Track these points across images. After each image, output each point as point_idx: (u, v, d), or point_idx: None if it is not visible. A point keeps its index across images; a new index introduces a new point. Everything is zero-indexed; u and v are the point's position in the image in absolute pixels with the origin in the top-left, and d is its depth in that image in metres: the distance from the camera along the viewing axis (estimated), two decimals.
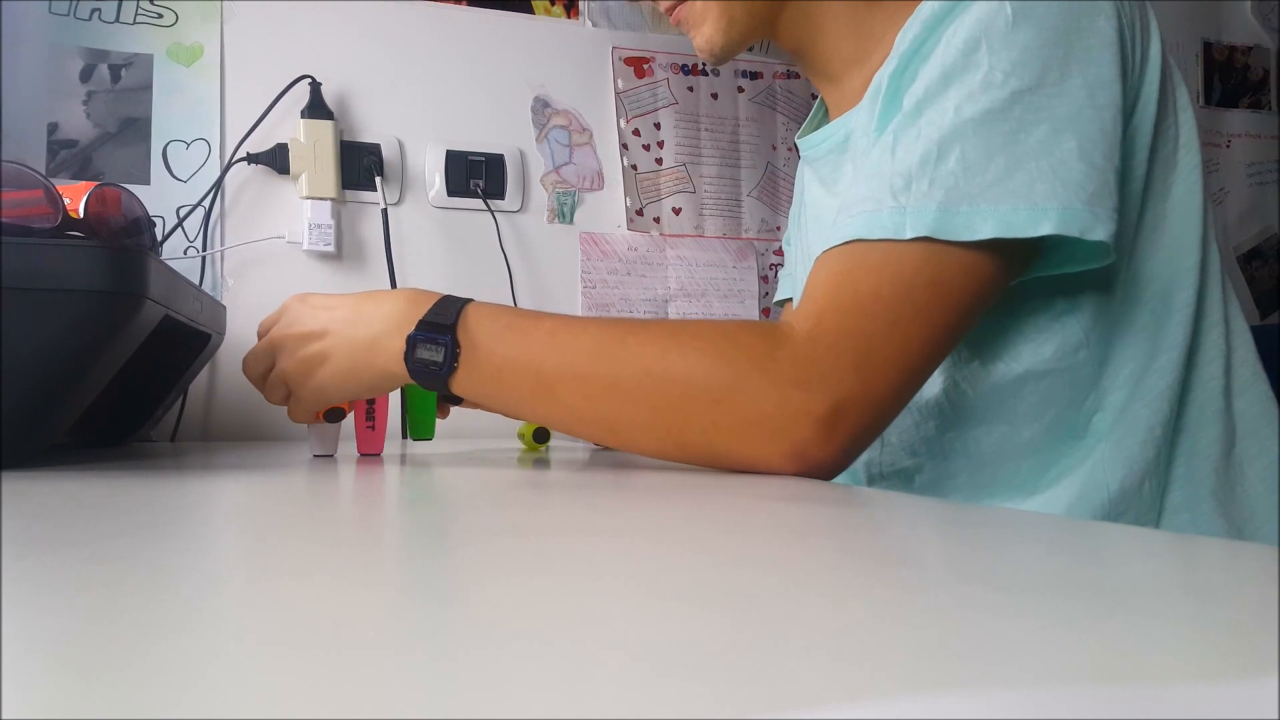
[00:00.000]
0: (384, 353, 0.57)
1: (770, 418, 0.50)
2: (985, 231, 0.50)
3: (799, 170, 0.87)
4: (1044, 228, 0.50)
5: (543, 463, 0.64)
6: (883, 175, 0.54)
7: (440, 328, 0.56)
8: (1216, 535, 0.60)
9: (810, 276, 0.56)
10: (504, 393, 0.57)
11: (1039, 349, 0.59)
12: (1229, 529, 0.60)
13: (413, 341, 0.56)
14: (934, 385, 0.63)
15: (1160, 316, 0.59)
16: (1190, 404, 0.61)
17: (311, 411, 0.63)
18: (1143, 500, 0.60)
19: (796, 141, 0.79)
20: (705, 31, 0.71)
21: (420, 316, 0.57)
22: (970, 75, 0.53)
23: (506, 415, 0.61)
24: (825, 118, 0.78)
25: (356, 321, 0.59)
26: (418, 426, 0.71)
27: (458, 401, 0.60)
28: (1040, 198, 0.51)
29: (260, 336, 0.64)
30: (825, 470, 0.51)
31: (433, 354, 0.56)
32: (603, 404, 0.54)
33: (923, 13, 0.56)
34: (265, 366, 0.63)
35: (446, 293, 0.60)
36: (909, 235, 0.51)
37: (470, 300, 0.58)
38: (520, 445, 0.85)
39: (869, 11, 0.69)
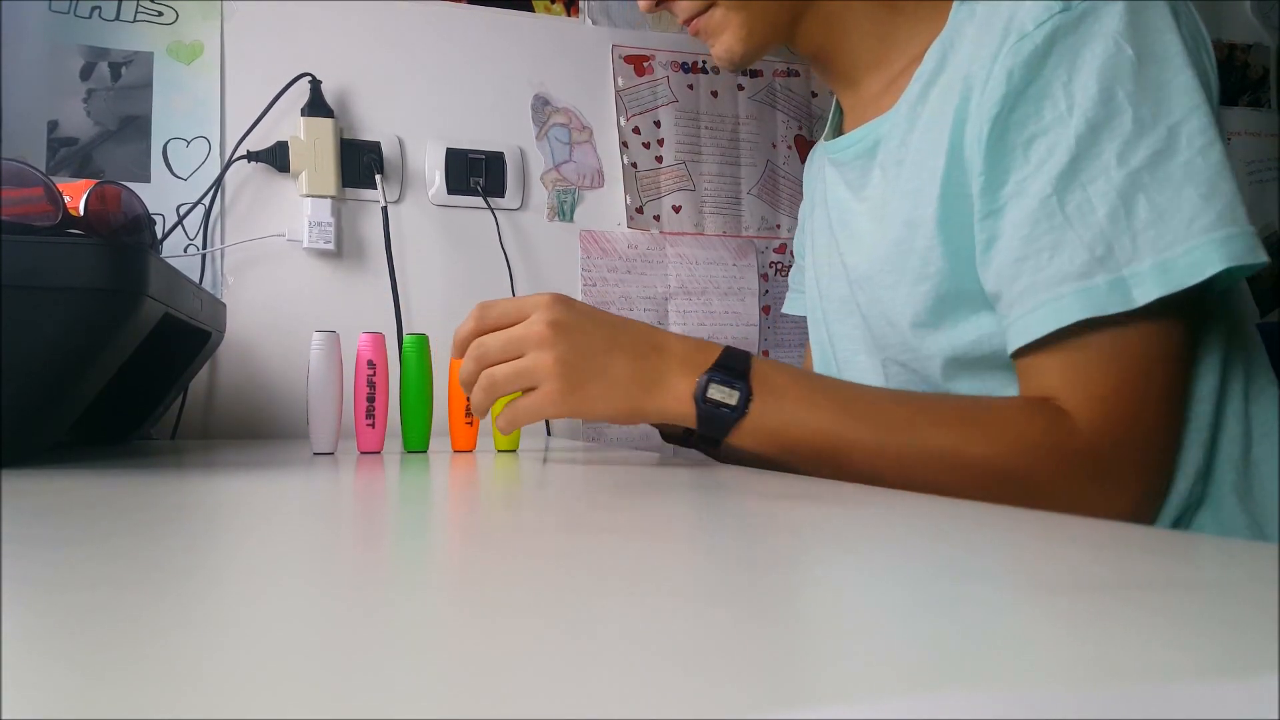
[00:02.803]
0: (669, 390, 0.57)
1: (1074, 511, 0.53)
2: (1215, 265, 0.50)
3: (814, 171, 0.85)
4: (1260, 252, 0.50)
5: (541, 462, 0.64)
6: (1064, 242, 0.53)
7: (735, 373, 0.56)
8: (1239, 531, 0.60)
9: (1035, 357, 0.56)
10: (788, 447, 0.57)
11: None
12: (1250, 524, 0.60)
13: (706, 383, 0.56)
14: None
15: (1206, 320, 0.60)
16: (1217, 404, 0.61)
17: (543, 416, 0.59)
18: (1178, 495, 0.60)
19: (822, 144, 0.78)
20: (725, 41, 0.71)
21: (711, 361, 0.57)
22: (1118, 122, 0.53)
23: (779, 466, 0.59)
24: (843, 120, 0.79)
25: (643, 350, 0.58)
26: (411, 438, 0.71)
27: (715, 446, 0.60)
28: (1242, 217, 0.51)
29: (483, 325, 0.60)
30: None
31: (726, 396, 0.56)
32: (895, 479, 0.54)
33: (1014, 47, 0.55)
34: (504, 358, 0.59)
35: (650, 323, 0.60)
36: (1140, 302, 0.51)
37: (751, 354, 0.59)
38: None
39: (890, 17, 0.69)
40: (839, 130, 0.78)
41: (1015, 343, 0.56)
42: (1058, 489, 0.53)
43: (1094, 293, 0.52)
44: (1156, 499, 0.56)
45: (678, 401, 0.57)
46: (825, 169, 0.79)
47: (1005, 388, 0.62)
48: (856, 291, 0.72)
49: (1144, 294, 0.51)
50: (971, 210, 0.59)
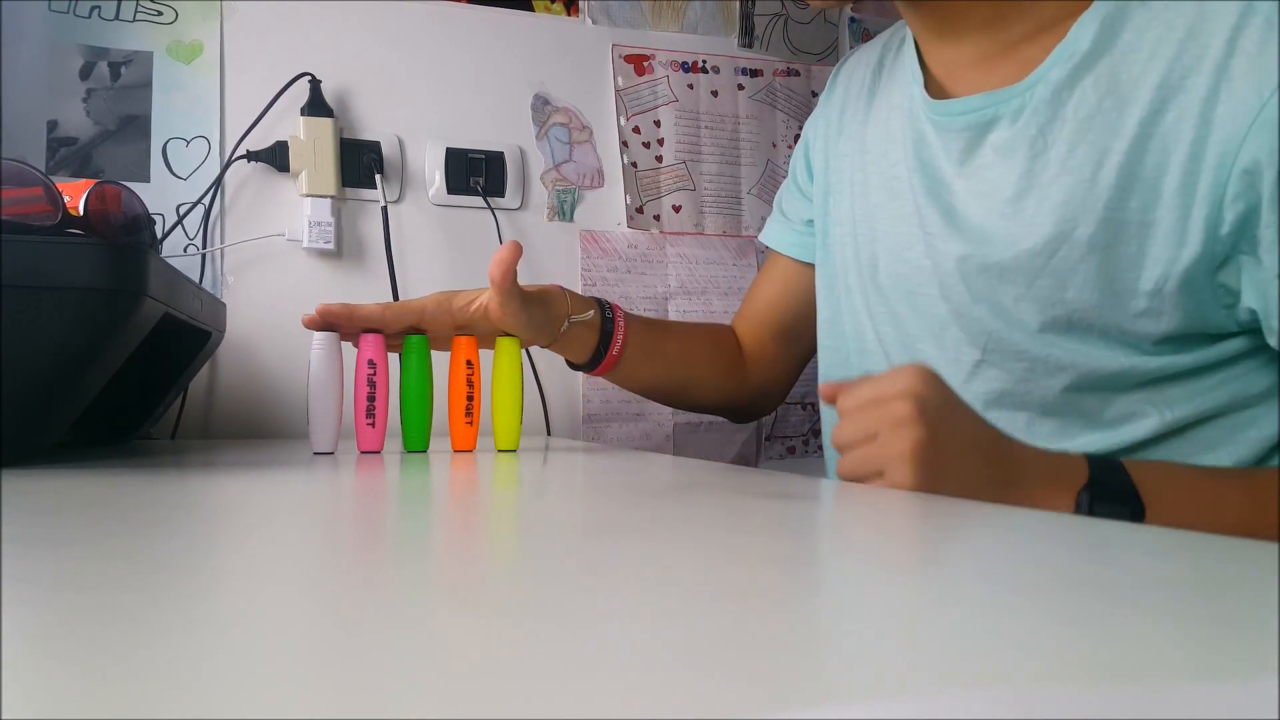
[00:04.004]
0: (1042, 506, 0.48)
1: None
2: None
3: (875, 110, 0.75)
4: None
5: (542, 464, 0.64)
6: None
7: (1121, 493, 0.49)
8: None
9: None
10: None
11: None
12: None
13: (1087, 504, 0.49)
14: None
15: None
16: None
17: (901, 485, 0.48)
18: None
19: (925, 101, 0.68)
20: None
21: (1081, 475, 0.50)
22: None
23: None
24: (927, 74, 0.70)
25: (998, 455, 0.50)
26: (412, 437, 0.70)
27: None
28: None
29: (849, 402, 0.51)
30: None
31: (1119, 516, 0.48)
32: None
33: None
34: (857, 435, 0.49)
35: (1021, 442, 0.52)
36: None
37: (1120, 461, 0.52)
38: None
39: None
40: (925, 83, 0.69)
41: None
42: None
43: None
44: None
45: None
46: (922, 125, 0.69)
47: (1130, 404, 0.58)
48: (950, 280, 0.65)
49: None
50: (1139, 238, 0.55)
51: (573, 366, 0.84)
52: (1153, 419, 0.59)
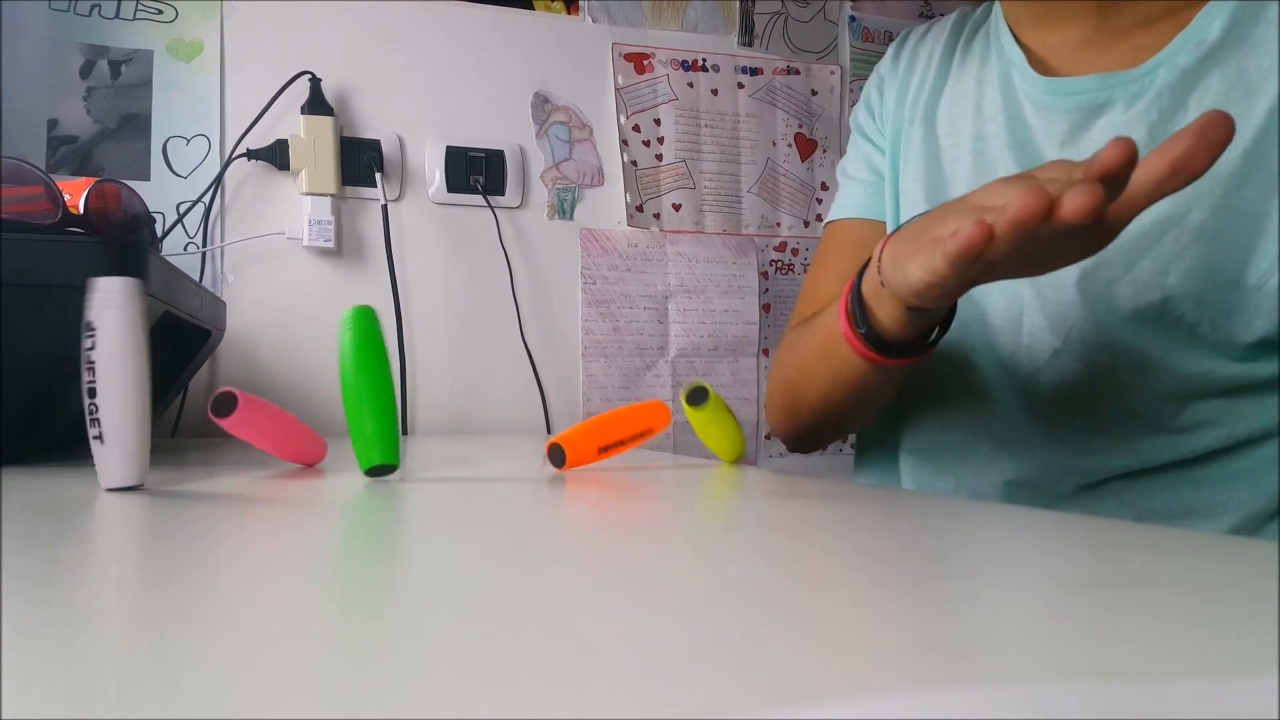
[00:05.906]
0: None
1: None
2: None
3: (952, 85, 0.71)
4: None
5: (541, 460, 0.64)
6: None
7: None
8: None
9: None
10: None
11: None
12: None
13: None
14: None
15: None
16: None
17: None
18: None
19: (1030, 78, 0.65)
20: None
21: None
22: None
23: None
24: (1026, 54, 0.66)
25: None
26: (372, 449, 0.46)
27: None
28: None
29: None
30: None
31: None
32: None
33: None
34: None
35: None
36: None
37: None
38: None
39: None
40: (1024, 60, 0.66)
41: None
42: None
43: None
44: None
45: None
46: (1020, 104, 0.65)
47: (1202, 412, 0.57)
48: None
49: None
50: (1250, 229, 0.54)
51: (893, 355, 0.56)
52: (1220, 431, 0.57)
